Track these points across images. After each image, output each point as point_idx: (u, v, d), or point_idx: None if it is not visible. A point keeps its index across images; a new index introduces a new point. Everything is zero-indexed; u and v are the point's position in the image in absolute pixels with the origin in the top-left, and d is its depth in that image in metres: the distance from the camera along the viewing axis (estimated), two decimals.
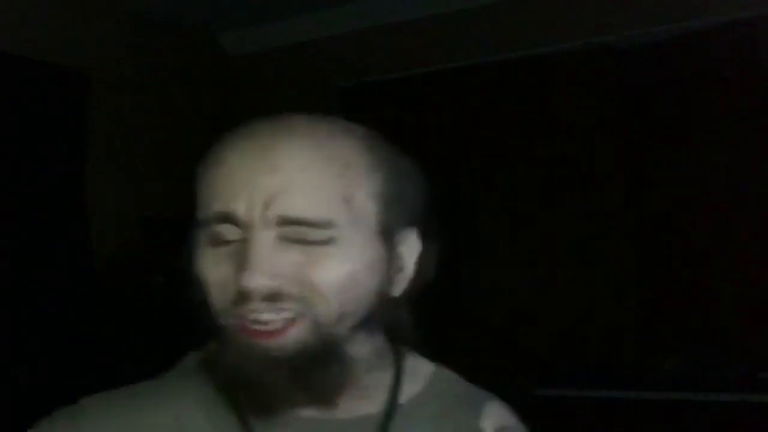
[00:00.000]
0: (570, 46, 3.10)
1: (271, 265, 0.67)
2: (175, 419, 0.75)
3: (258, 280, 0.66)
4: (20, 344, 2.61)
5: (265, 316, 0.67)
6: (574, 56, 3.09)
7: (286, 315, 0.68)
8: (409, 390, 0.80)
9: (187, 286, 0.74)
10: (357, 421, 0.75)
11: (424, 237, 0.78)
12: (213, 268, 0.70)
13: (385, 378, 0.79)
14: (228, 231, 0.69)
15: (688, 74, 2.92)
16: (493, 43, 3.25)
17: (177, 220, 3.49)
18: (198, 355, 0.82)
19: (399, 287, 0.75)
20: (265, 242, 0.67)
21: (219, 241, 0.70)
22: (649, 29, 2.97)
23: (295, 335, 0.68)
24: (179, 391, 0.78)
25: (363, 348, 0.75)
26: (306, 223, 0.68)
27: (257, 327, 0.68)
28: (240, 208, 0.67)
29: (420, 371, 0.83)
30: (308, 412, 0.74)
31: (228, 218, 0.68)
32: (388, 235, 0.73)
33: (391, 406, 0.78)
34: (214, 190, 0.70)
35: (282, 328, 0.68)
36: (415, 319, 0.79)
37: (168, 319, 2.79)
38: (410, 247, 0.76)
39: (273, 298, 0.67)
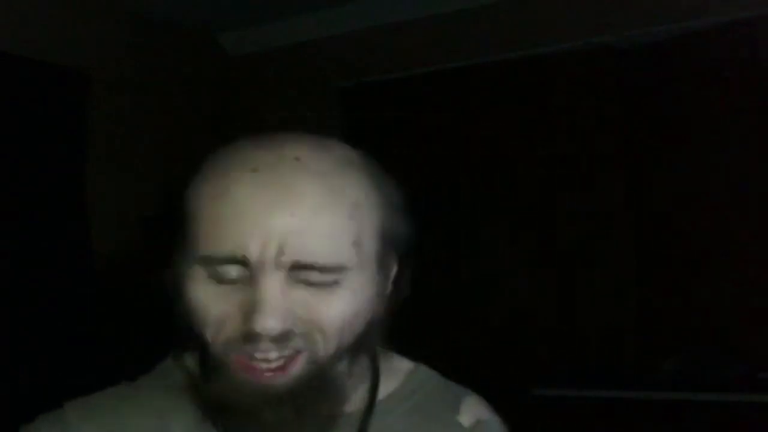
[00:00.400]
0: (570, 46, 3.10)
1: (282, 308, 0.67)
2: (160, 421, 0.76)
3: (270, 324, 0.66)
4: (20, 344, 2.61)
5: (271, 355, 0.68)
6: (574, 56, 3.09)
7: (287, 353, 0.69)
8: (386, 387, 0.82)
9: (170, 308, 0.75)
10: (335, 422, 0.76)
11: (404, 257, 0.79)
12: (213, 305, 0.70)
13: (363, 378, 0.81)
14: (233, 270, 0.68)
15: (688, 74, 2.92)
16: (493, 43, 3.25)
17: (177, 220, 3.48)
18: (177, 358, 0.83)
19: (382, 308, 0.76)
20: (275, 285, 0.67)
21: (221, 279, 0.69)
22: (649, 29, 2.97)
23: (296, 371, 0.69)
24: (161, 394, 0.79)
25: (345, 363, 0.76)
26: (319, 269, 0.68)
27: (260, 365, 0.68)
28: (253, 252, 0.67)
29: (397, 369, 0.85)
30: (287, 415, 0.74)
31: (237, 260, 0.68)
32: (384, 268, 0.75)
33: (370, 404, 0.79)
34: (222, 229, 0.68)
35: (284, 365, 0.69)
36: (389, 320, 0.80)
37: (168, 319, 2.79)
38: (394, 271, 0.78)
39: (281, 338, 0.68)
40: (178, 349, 0.84)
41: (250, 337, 0.67)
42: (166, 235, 0.78)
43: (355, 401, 0.79)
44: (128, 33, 3.28)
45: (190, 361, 0.82)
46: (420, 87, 3.38)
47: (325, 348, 0.70)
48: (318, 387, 0.71)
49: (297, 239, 0.67)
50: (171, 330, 0.77)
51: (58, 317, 2.73)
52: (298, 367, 0.69)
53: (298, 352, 0.69)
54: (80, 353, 2.72)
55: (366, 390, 0.80)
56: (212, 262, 0.69)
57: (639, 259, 3.00)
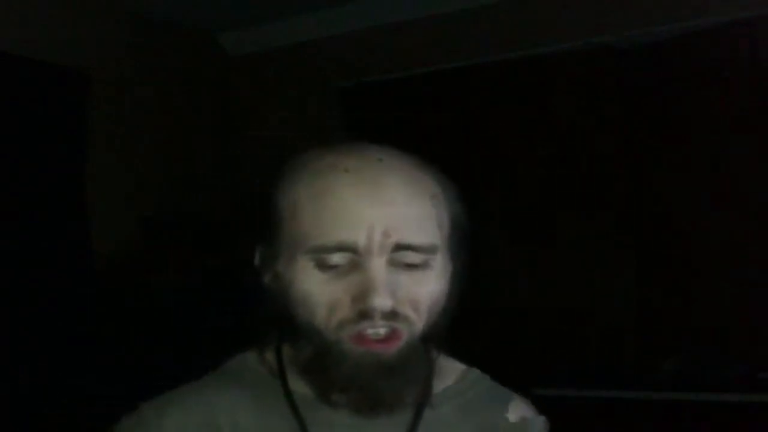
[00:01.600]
0: (570, 46, 3.10)
1: (390, 287, 0.77)
2: (229, 418, 0.83)
3: (383, 301, 0.76)
4: (20, 344, 2.61)
5: (381, 331, 0.78)
6: (574, 56, 3.09)
7: (396, 326, 0.78)
8: (443, 383, 0.90)
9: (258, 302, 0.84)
10: (422, 392, 0.85)
11: (463, 252, 0.88)
12: (323, 290, 0.79)
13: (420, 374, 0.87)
14: (340, 257, 0.78)
15: (688, 74, 2.92)
16: (493, 43, 3.25)
17: (177, 220, 3.50)
18: (248, 358, 0.90)
19: (449, 298, 0.85)
20: (382, 266, 0.77)
21: (327, 266, 0.78)
22: (649, 29, 2.97)
23: (398, 345, 0.79)
24: (231, 390, 0.86)
25: (424, 348, 0.85)
26: (416, 249, 0.79)
27: (374, 338, 0.78)
28: (361, 238, 0.77)
29: (452, 368, 0.93)
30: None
31: (347, 248, 0.77)
32: (454, 251, 0.86)
33: (426, 395, 0.86)
34: (330, 221, 0.78)
35: (390, 338, 0.78)
36: (448, 325, 0.87)
37: (168, 319, 2.79)
38: (458, 264, 0.87)
39: (391, 315, 0.77)
40: (256, 344, 0.90)
41: (364, 314, 0.77)
42: (258, 243, 0.86)
43: (416, 393, 0.86)
44: (128, 33, 3.28)
45: (259, 357, 0.89)
46: (420, 87, 3.38)
47: (418, 324, 0.80)
48: (418, 360, 0.81)
49: (396, 224, 0.78)
50: (234, 328, 0.83)
51: (58, 317, 2.73)
52: (401, 341, 0.79)
53: (397, 329, 0.78)
54: (80, 353, 2.72)
55: (422, 383, 0.86)
56: (323, 251, 0.78)
57: (639, 259, 3.00)
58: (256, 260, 0.86)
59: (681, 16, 2.91)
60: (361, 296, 0.76)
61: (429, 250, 0.79)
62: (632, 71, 3.03)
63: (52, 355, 2.68)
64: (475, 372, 0.94)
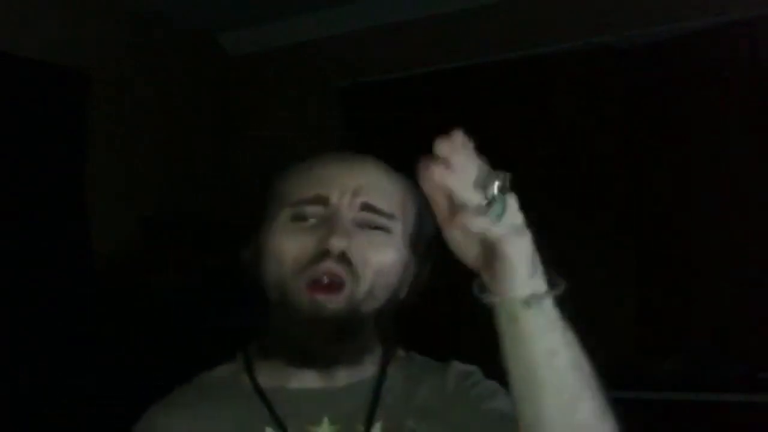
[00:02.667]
0: (570, 46, 3.10)
1: (349, 233, 0.90)
2: (217, 411, 0.94)
3: (340, 241, 0.88)
4: (20, 344, 2.61)
5: (335, 270, 0.89)
6: (574, 56, 3.09)
7: (340, 279, 0.89)
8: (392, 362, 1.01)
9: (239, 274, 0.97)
10: (355, 385, 0.96)
11: (424, 257, 1.00)
12: (292, 238, 0.92)
13: (374, 356, 0.99)
14: (312, 210, 0.92)
15: (688, 74, 2.92)
16: (493, 43, 3.25)
17: (177, 220, 3.49)
18: (221, 371, 1.01)
19: (403, 292, 0.98)
20: (348, 218, 0.91)
21: (301, 217, 0.92)
22: (649, 29, 2.97)
23: (341, 299, 0.89)
24: (216, 386, 0.98)
25: (369, 330, 0.98)
26: (379, 212, 0.93)
27: (325, 280, 0.89)
28: (334, 193, 0.92)
29: (397, 351, 1.03)
30: (314, 384, 0.95)
31: (321, 200, 0.92)
32: (413, 246, 0.97)
33: (383, 372, 0.98)
34: (309, 180, 0.94)
35: (337, 286, 0.89)
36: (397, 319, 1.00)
37: (168, 320, 2.79)
38: (417, 262, 0.99)
39: (343, 257, 0.89)
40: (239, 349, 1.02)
41: (321, 254, 0.89)
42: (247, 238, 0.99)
43: (366, 371, 0.98)
44: (128, 33, 3.28)
45: (227, 369, 1.01)
46: (420, 87, 3.38)
47: (364, 281, 0.91)
48: (354, 322, 0.92)
49: (366, 189, 0.93)
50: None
51: (58, 317, 2.73)
52: (343, 296, 0.89)
53: (343, 280, 0.89)
54: (80, 353, 2.72)
55: (377, 363, 0.99)
56: (301, 203, 0.92)
57: (639, 259, 3.00)
58: (245, 252, 0.98)
59: (681, 16, 2.90)
60: (324, 238, 0.89)
61: (389, 216, 0.94)
62: (632, 71, 3.03)
63: (52, 355, 2.68)
64: (416, 354, 1.05)
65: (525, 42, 3.17)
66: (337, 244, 0.88)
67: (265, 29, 3.64)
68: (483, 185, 0.78)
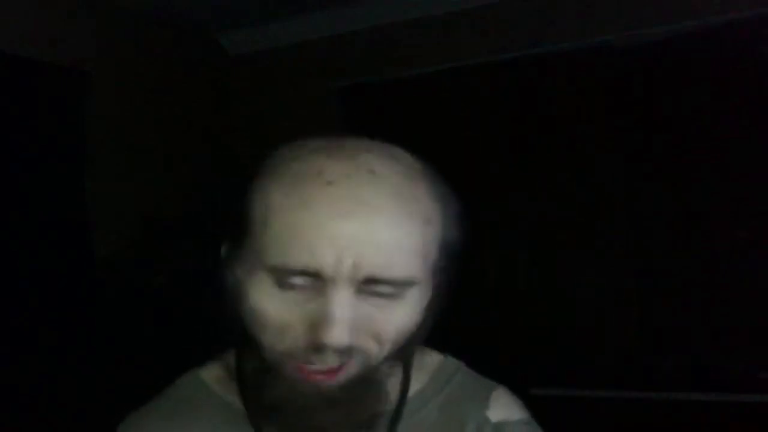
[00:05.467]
0: (570, 46, 3.10)
1: (350, 322, 0.68)
2: None
3: (339, 337, 0.67)
4: (20, 344, 2.61)
5: (335, 363, 0.70)
6: (574, 56, 3.09)
7: (346, 361, 0.71)
8: (417, 383, 0.83)
9: (216, 307, 0.77)
10: (368, 421, 0.77)
11: (451, 266, 0.79)
12: (279, 312, 0.70)
13: (397, 377, 0.81)
14: (303, 280, 0.69)
15: (688, 74, 2.92)
16: (493, 43, 3.25)
17: (177, 220, 3.49)
18: (208, 374, 0.86)
19: (428, 313, 0.77)
20: (346, 298, 0.68)
21: (288, 286, 0.70)
22: (649, 29, 2.97)
23: (346, 375, 0.71)
24: (186, 407, 0.83)
25: (388, 364, 0.77)
26: (391, 283, 0.69)
27: (318, 369, 0.70)
28: (328, 265, 0.67)
29: (426, 364, 0.86)
30: None
31: (311, 273, 0.68)
32: (437, 276, 0.76)
33: (400, 404, 0.80)
34: (297, 240, 0.68)
35: (336, 370, 0.70)
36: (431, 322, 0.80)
37: (168, 320, 2.79)
38: (439, 283, 0.78)
39: (345, 351, 0.69)
40: (212, 357, 0.86)
41: (316, 348, 0.68)
42: (225, 239, 0.79)
43: (389, 400, 0.79)
44: (128, 33, 3.28)
45: (215, 371, 0.85)
46: (420, 87, 3.38)
47: (378, 355, 0.72)
48: (367, 388, 0.73)
49: (372, 254, 0.67)
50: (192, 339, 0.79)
51: (58, 317, 2.73)
52: (349, 371, 0.71)
53: (351, 358, 0.71)
54: (80, 353, 2.72)
55: (398, 386, 0.81)
56: (284, 272, 0.69)
57: (639, 258, 3.00)
58: (222, 255, 0.79)
59: (681, 16, 2.91)
60: (317, 328, 0.68)
61: (404, 284, 0.70)
62: (632, 71, 3.03)
63: (52, 355, 2.68)
64: (451, 363, 0.88)
65: (525, 42, 3.18)
66: (336, 341, 0.67)
67: (265, 29, 3.64)
68: None
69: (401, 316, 0.72)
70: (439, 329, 0.83)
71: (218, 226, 0.80)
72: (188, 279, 3.02)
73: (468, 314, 3.15)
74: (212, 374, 0.85)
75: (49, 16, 2.94)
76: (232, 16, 3.54)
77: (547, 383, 2.78)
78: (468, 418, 0.82)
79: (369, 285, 0.69)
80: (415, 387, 0.83)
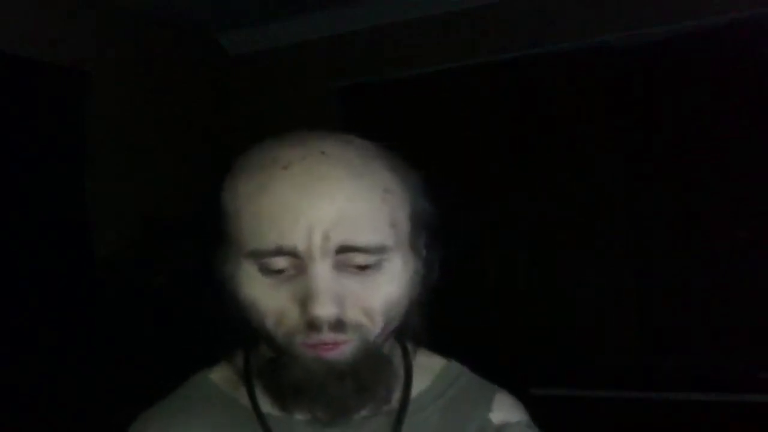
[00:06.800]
0: (570, 46, 3.11)
1: (334, 293, 0.71)
2: None
3: (326, 309, 0.70)
4: (20, 344, 2.61)
5: (331, 339, 0.72)
6: (574, 56, 3.10)
7: (343, 337, 0.73)
8: (420, 385, 0.84)
9: (218, 301, 0.79)
10: (372, 420, 0.79)
11: (432, 240, 0.82)
12: (268, 297, 0.74)
13: (398, 376, 0.82)
14: (282, 261, 0.72)
15: (688, 74, 2.92)
16: (493, 43, 3.25)
17: (177, 220, 3.49)
18: (217, 375, 0.87)
19: (418, 289, 0.79)
20: (325, 272, 0.71)
21: (270, 270, 0.73)
22: (649, 29, 2.97)
23: (350, 349, 0.73)
24: (198, 406, 0.84)
25: (389, 345, 0.81)
26: (363, 250, 0.72)
27: (322, 341, 0.72)
28: (300, 241, 0.70)
29: (429, 366, 0.88)
30: (325, 416, 0.77)
31: (285, 252, 0.71)
32: (417, 249, 0.78)
33: (404, 403, 0.81)
34: (267, 223, 0.72)
35: (340, 343, 0.73)
36: (426, 317, 0.82)
37: (168, 320, 2.79)
38: (425, 253, 0.81)
39: (338, 325, 0.71)
40: (222, 357, 0.88)
41: (310, 324, 0.71)
42: (208, 236, 0.82)
43: (392, 400, 0.80)
44: (128, 33, 3.28)
45: (223, 372, 0.87)
46: (420, 87, 3.38)
47: (372, 329, 0.74)
48: (374, 365, 0.75)
49: (339, 225, 0.71)
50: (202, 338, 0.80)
51: (58, 317, 2.73)
52: (351, 346, 0.73)
53: (345, 333, 0.73)
54: (80, 353, 2.72)
55: (401, 388, 0.82)
56: (261, 255, 0.72)
57: (639, 258, 3.00)
58: (211, 254, 0.82)
59: (681, 16, 2.91)
60: (305, 304, 0.71)
61: (378, 250, 0.72)
62: (632, 71, 3.04)
63: (52, 355, 2.68)
64: (455, 367, 0.89)
65: (525, 42, 3.18)
66: (323, 315, 0.70)
67: (265, 29, 3.65)
68: None
69: (384, 286, 0.74)
70: (440, 329, 0.83)
71: (213, 225, 0.82)
72: (188, 279, 3.01)
73: (468, 314, 3.16)
74: (221, 375, 0.87)
75: (49, 16, 2.94)
76: (232, 16, 3.54)
77: (547, 383, 2.77)
78: (470, 421, 0.84)
79: (344, 255, 0.71)
80: (418, 388, 0.84)
